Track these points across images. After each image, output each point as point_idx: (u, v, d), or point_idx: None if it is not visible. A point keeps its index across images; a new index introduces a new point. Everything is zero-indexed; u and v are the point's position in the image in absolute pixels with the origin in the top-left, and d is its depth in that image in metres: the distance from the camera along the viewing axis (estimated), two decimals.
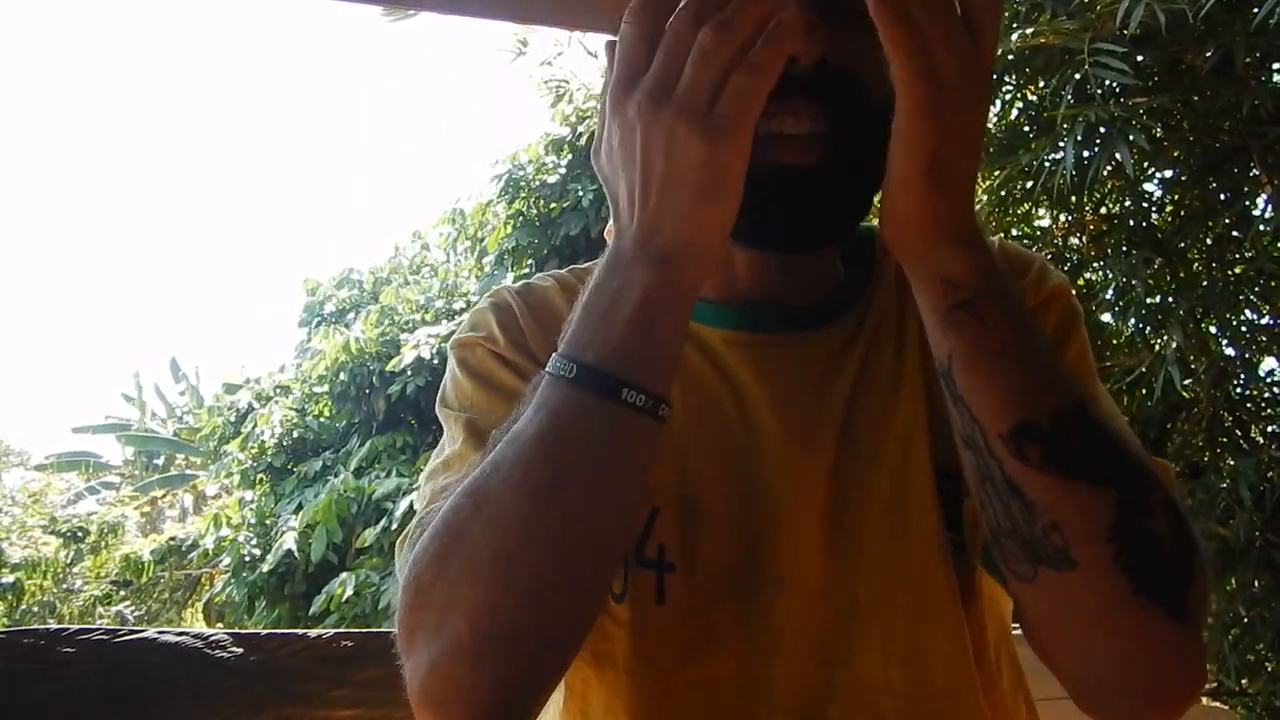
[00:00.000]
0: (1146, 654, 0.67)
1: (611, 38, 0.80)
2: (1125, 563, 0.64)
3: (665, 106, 0.63)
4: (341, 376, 11.50)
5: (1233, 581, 3.18)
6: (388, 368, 10.98)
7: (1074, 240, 3.54)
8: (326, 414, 12.03)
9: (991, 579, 0.82)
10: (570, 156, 10.50)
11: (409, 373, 10.74)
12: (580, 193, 10.27)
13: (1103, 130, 2.71)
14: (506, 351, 0.85)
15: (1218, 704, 2.61)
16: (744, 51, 0.61)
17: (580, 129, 8.75)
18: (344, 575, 9.73)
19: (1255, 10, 2.37)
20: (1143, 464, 0.70)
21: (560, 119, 9.87)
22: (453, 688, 0.65)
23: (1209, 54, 2.66)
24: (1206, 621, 0.71)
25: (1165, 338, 3.01)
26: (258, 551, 11.14)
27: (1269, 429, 3.41)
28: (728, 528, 0.78)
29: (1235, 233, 3.24)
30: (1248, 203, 3.15)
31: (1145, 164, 3.22)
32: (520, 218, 10.71)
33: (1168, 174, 3.39)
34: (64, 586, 14.91)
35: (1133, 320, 3.13)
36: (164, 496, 16.31)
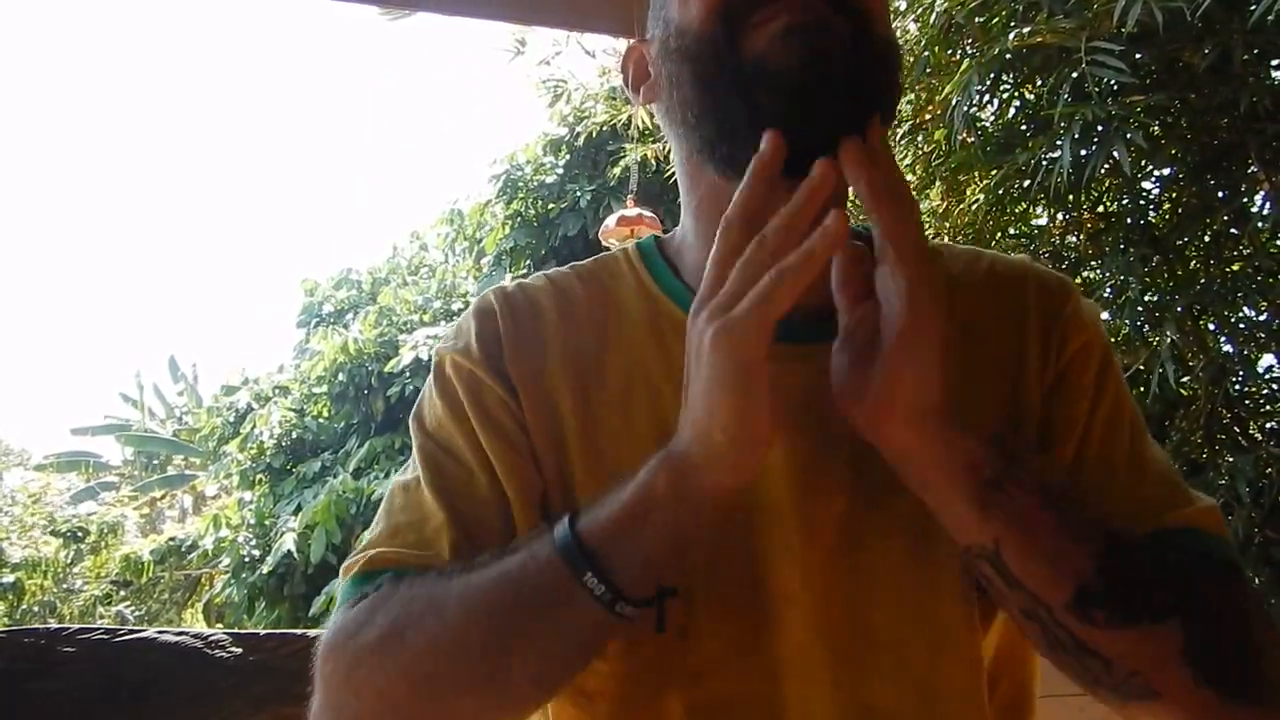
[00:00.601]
0: None
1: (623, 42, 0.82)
2: (1205, 678, 0.66)
3: (701, 313, 0.64)
4: (340, 377, 11.51)
5: None
6: (386, 368, 10.98)
7: (1071, 239, 3.54)
8: (325, 415, 12.03)
9: None
10: (568, 157, 10.51)
11: (407, 374, 10.76)
12: (578, 193, 10.28)
13: (1100, 129, 2.71)
14: (482, 373, 0.82)
15: None
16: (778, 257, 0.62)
17: (578, 129, 8.75)
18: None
19: (1253, 8, 2.37)
20: (1191, 567, 0.72)
21: (558, 119, 9.88)
22: None
23: (1207, 52, 2.66)
24: None
25: (1161, 336, 3.01)
26: (257, 552, 11.15)
27: (1267, 425, 3.41)
28: (734, 550, 0.75)
29: (1233, 230, 3.24)
30: (1245, 200, 3.15)
31: (1143, 162, 3.22)
32: (518, 218, 10.72)
33: (1165, 172, 3.39)
34: (64, 586, 14.91)
35: (1129, 318, 3.13)
36: (163, 497, 16.32)
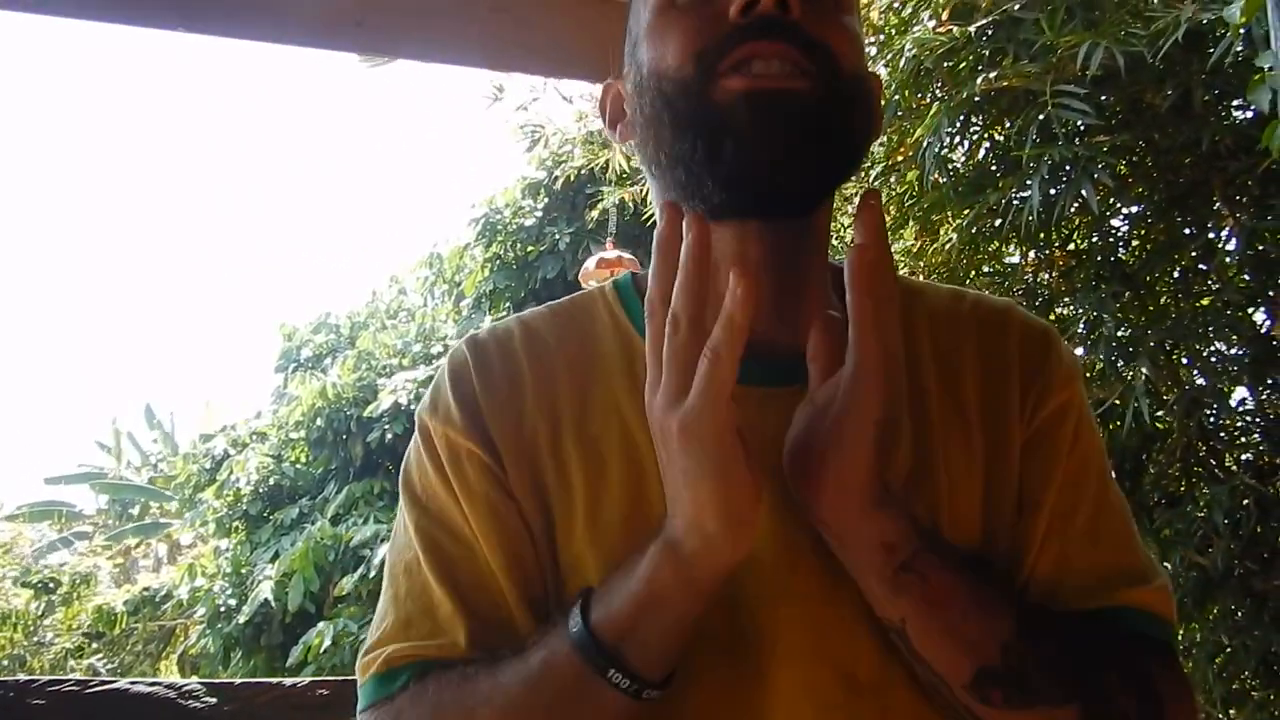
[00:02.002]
0: None
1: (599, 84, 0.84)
2: None
3: (655, 402, 0.66)
4: (318, 422, 11.42)
5: (1214, 610, 3.20)
6: (365, 413, 10.91)
7: (1044, 276, 3.58)
8: (303, 460, 11.92)
9: None
10: (547, 200, 10.56)
11: (386, 418, 10.69)
12: (557, 235, 10.32)
13: (1068, 168, 2.76)
14: (464, 440, 0.81)
15: None
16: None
17: (557, 173, 8.80)
18: (321, 625, 9.60)
19: (1211, 50, 2.43)
20: (1116, 649, 0.74)
21: (537, 163, 9.94)
22: None
23: (1169, 93, 2.72)
24: None
25: (1136, 371, 3.04)
26: (233, 601, 10.97)
27: (1243, 457, 3.44)
28: (719, 605, 0.74)
29: (1202, 265, 3.29)
30: (1212, 236, 3.20)
31: (1111, 200, 3.28)
32: (498, 261, 10.74)
33: (1134, 210, 3.45)
34: (34, 639, 14.61)
35: (1104, 353, 3.16)
36: (138, 546, 16.07)
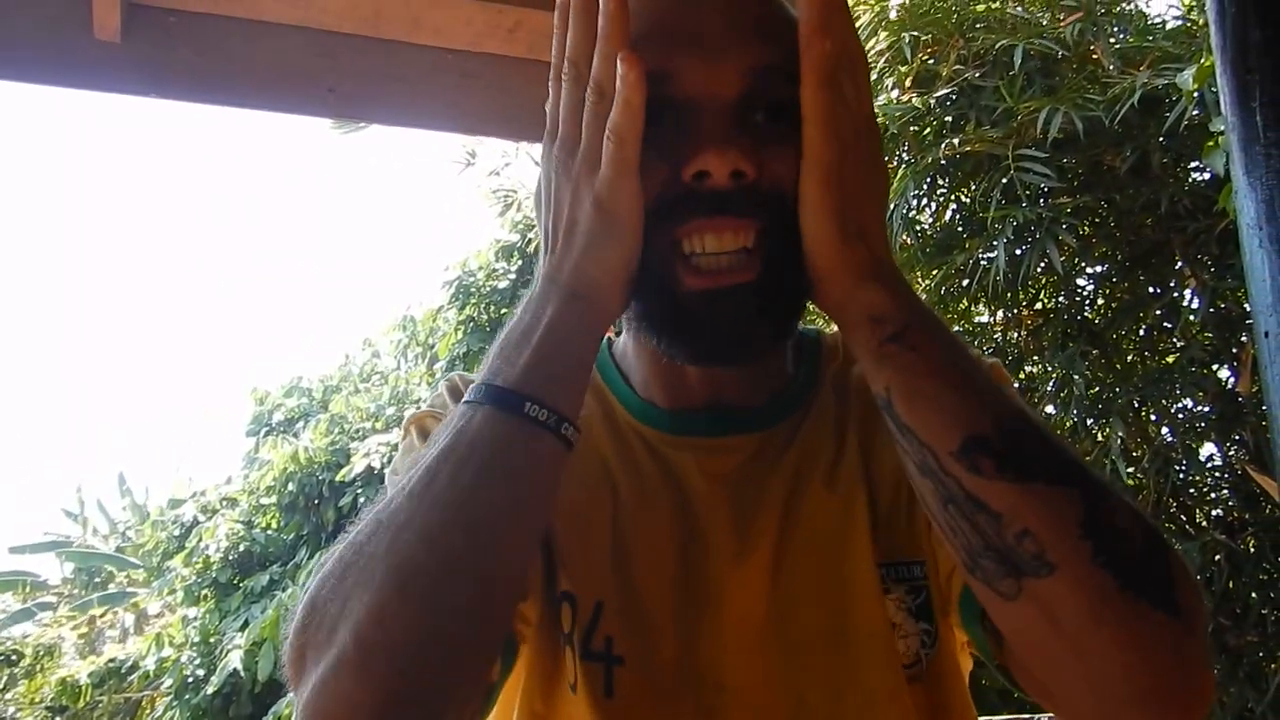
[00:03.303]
0: (1145, 654, 0.62)
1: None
2: (1105, 559, 0.62)
3: (572, 162, 0.72)
4: (290, 487, 11.29)
5: None
6: (338, 477, 10.80)
7: (1013, 335, 3.63)
8: (274, 526, 11.75)
9: (961, 661, 0.83)
10: (520, 262, 10.60)
11: (359, 483, 10.58)
12: None
13: (1033, 229, 2.82)
14: None
15: None
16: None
17: (530, 235, 8.86)
18: (292, 695, 9.39)
19: (1167, 114, 2.50)
20: (1092, 468, 0.70)
21: (510, 225, 10.01)
22: (339, 704, 0.62)
23: (1127, 155, 2.79)
24: (1205, 625, 0.67)
25: (1107, 429, 3.07)
26: (201, 672, 10.73)
27: (1212, 513, 3.47)
28: (671, 626, 0.79)
29: (1166, 324, 3.35)
30: (1176, 294, 3.26)
31: (1076, 260, 3.34)
32: (471, 323, 10.74)
33: (1098, 269, 3.51)
34: None
35: (1076, 411, 3.19)
36: (103, 615, 15.71)
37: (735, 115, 0.73)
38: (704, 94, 0.73)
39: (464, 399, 0.70)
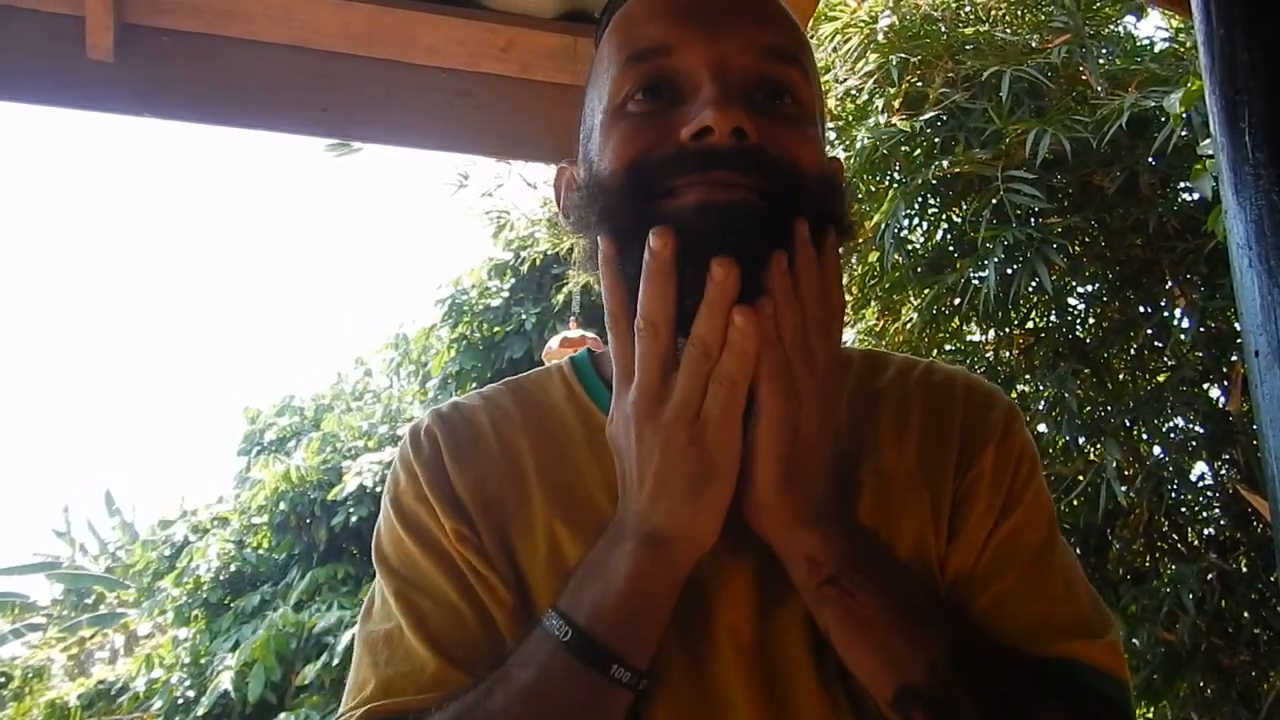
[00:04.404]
0: None
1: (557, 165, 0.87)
2: None
3: (659, 410, 0.70)
4: (282, 506, 11.23)
5: (1183, 687, 3.18)
6: (330, 496, 10.75)
7: (1004, 354, 3.63)
8: (266, 545, 11.68)
9: None
10: (513, 280, 10.61)
11: (351, 501, 10.54)
12: (523, 316, 10.35)
13: (1023, 249, 2.83)
14: (436, 503, 0.83)
15: None
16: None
17: (523, 254, 8.88)
18: (283, 716, 9.32)
19: (1155, 135, 2.52)
20: (1037, 698, 0.73)
21: (503, 244, 10.02)
22: None
23: (1116, 175, 2.81)
24: None
25: (1100, 447, 3.08)
26: (192, 693, 10.64)
27: (1205, 533, 3.47)
28: (664, 646, 0.77)
29: (1157, 343, 3.36)
30: (1166, 314, 3.27)
31: (1066, 279, 3.35)
32: (464, 341, 10.73)
33: (1089, 288, 3.52)
34: None
35: (1069, 431, 3.19)
36: (93, 637, 15.59)
37: (737, 88, 0.73)
38: (706, 66, 0.73)
39: (546, 626, 0.71)
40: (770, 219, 0.71)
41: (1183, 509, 3.44)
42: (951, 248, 3.41)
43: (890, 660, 0.70)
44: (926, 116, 2.92)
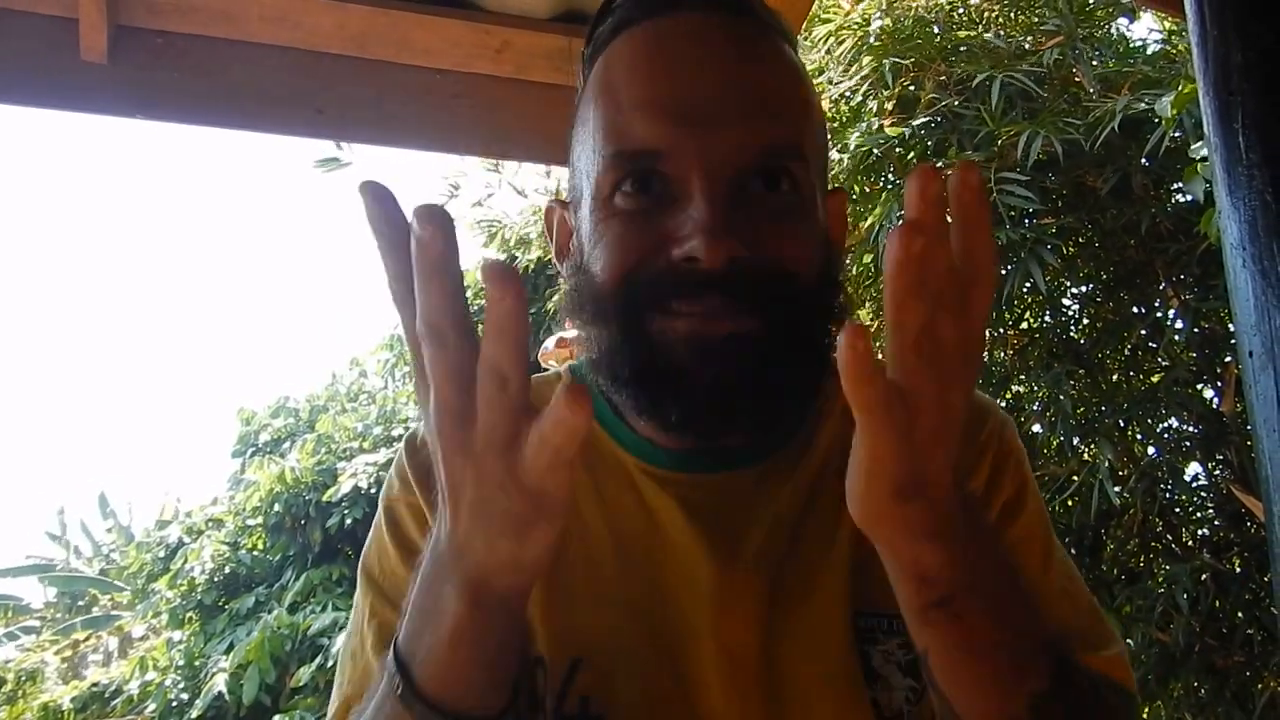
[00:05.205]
0: None
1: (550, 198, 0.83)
2: None
3: (462, 435, 0.56)
4: (276, 507, 11.21)
5: (1178, 688, 3.19)
6: (325, 498, 10.74)
7: (999, 354, 3.64)
8: (260, 547, 11.67)
9: None
10: None
11: (346, 503, 10.52)
12: None
13: (1017, 250, 2.83)
14: (426, 512, 0.81)
15: None
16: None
17: (517, 257, 8.88)
18: (278, 718, 9.31)
19: (1148, 136, 2.53)
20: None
21: (497, 246, 10.03)
22: None
23: (1108, 177, 2.82)
24: None
25: (1094, 447, 3.08)
26: (186, 696, 10.61)
27: (1199, 533, 3.48)
28: (654, 674, 0.75)
29: (1151, 344, 3.37)
30: (1160, 314, 3.28)
31: (1060, 280, 3.36)
32: None
33: (1082, 289, 3.53)
34: None
35: (1063, 431, 3.20)
36: (87, 639, 15.55)
37: (731, 193, 0.70)
38: (698, 175, 0.69)
39: (389, 668, 0.63)
40: (762, 348, 0.69)
41: (1176, 509, 3.44)
42: None
43: (993, 688, 0.64)
44: (918, 122, 2.93)
